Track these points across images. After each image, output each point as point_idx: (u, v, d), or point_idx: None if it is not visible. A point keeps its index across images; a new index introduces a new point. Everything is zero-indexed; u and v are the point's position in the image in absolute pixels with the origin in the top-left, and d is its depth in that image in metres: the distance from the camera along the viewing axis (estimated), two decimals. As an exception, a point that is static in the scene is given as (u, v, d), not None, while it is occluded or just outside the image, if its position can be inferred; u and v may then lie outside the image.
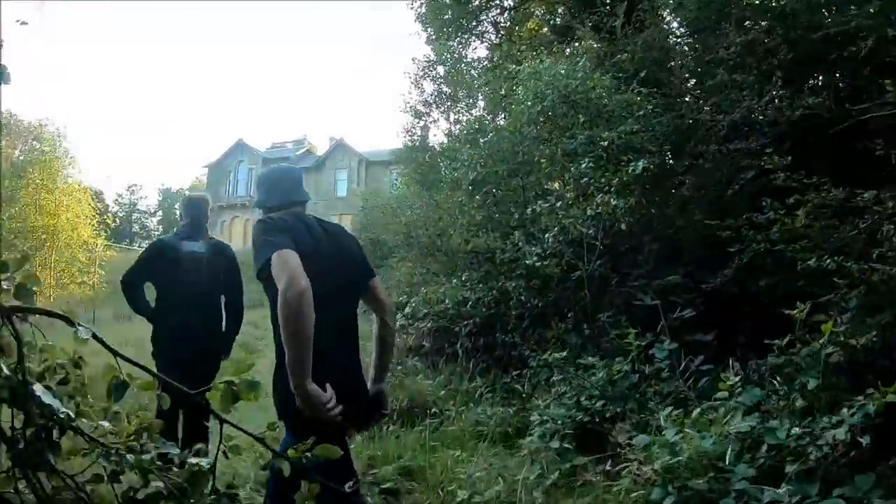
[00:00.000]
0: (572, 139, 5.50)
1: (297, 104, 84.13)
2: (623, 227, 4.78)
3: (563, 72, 5.80)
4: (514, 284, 5.71)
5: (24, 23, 4.77)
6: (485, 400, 4.97)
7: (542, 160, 5.74)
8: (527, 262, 5.36)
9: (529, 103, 5.95)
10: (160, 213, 54.01)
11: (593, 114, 5.56)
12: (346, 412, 1.80)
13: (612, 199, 4.67)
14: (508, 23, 9.32)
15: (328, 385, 1.75)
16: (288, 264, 1.72)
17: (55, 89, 73.53)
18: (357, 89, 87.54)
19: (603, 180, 4.84)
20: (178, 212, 3.70)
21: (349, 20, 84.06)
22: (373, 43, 76.75)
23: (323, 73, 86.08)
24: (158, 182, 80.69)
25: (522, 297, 5.62)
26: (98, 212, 11.19)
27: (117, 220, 13.03)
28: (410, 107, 9.63)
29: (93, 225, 10.98)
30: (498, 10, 9.42)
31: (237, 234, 35.65)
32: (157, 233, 49.90)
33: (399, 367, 6.31)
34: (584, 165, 4.98)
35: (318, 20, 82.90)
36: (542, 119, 5.97)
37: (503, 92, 7.09)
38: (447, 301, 6.34)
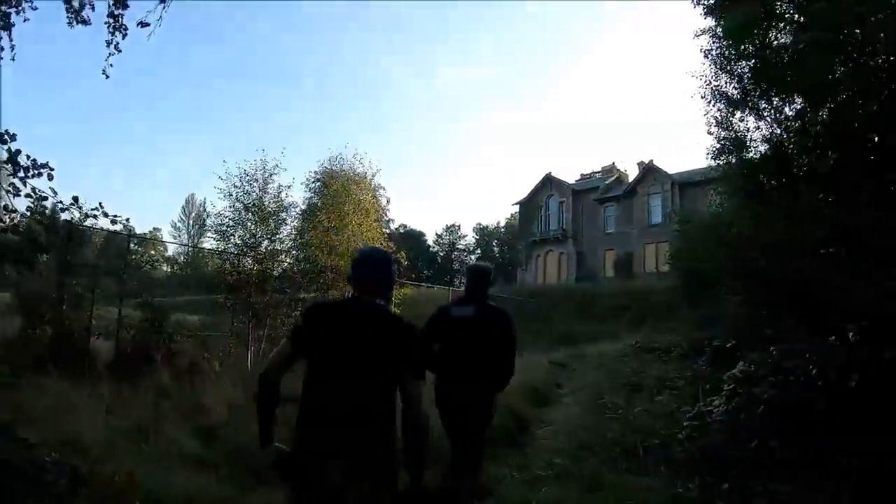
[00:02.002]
0: None
1: (604, 132, 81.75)
2: None
3: None
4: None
5: (146, 24, 4.44)
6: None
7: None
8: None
9: None
10: (478, 250, 56.32)
11: None
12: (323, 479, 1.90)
13: None
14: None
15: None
16: (274, 353, 2.15)
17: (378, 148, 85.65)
18: (663, 110, 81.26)
19: None
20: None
21: (642, 37, 79.05)
22: (668, 57, 69.71)
23: (628, 97, 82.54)
24: (475, 221, 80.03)
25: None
26: (392, 251, 11.79)
27: (410, 259, 13.80)
28: (719, 91, 7.22)
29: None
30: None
31: (552, 266, 35.88)
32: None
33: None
34: None
35: (614, 45, 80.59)
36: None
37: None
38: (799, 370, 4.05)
